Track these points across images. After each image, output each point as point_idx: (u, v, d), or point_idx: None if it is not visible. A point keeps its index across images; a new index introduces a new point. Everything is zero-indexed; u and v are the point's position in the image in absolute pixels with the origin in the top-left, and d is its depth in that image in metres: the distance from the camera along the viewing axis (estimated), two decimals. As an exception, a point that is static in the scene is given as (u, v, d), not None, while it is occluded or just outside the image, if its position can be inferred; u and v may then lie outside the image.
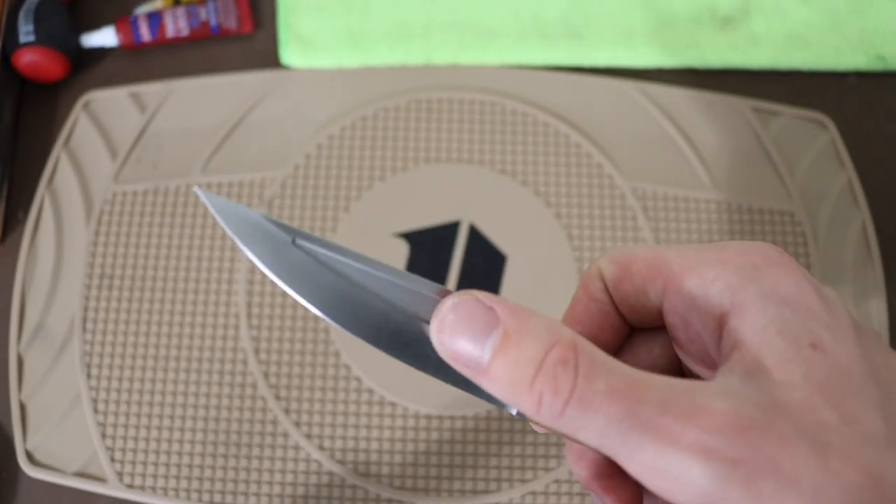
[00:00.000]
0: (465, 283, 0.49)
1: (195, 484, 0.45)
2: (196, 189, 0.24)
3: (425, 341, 0.23)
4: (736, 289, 0.22)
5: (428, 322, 0.23)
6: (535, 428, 0.23)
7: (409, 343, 0.23)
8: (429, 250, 0.49)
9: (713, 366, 0.23)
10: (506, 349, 0.21)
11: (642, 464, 0.20)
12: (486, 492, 0.45)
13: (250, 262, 0.23)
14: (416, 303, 0.23)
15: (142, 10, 0.55)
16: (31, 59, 0.51)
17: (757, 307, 0.21)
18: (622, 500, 0.24)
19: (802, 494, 0.18)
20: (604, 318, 0.25)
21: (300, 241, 0.23)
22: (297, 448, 0.46)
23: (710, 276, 0.22)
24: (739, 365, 0.21)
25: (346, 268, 0.23)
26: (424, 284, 0.23)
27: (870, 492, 0.19)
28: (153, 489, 0.45)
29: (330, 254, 0.23)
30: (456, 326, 0.21)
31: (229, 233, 0.23)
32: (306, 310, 0.48)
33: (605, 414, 0.20)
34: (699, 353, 0.24)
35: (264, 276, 0.49)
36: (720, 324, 0.22)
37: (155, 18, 0.54)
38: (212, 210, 0.23)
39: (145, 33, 0.54)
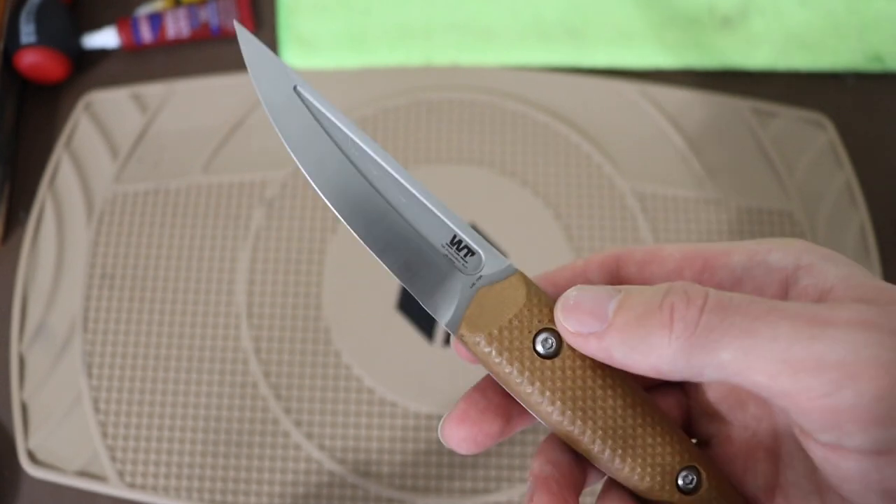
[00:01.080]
0: (464, 283, 0.49)
1: (196, 483, 0.45)
2: (236, 23, 0.26)
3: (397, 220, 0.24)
4: (798, 254, 0.22)
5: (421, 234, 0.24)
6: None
7: (381, 220, 0.24)
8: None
9: None
10: (629, 298, 0.21)
11: (796, 355, 0.19)
12: (486, 491, 0.45)
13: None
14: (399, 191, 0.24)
15: (143, 10, 0.55)
16: (33, 59, 0.51)
17: (828, 266, 0.21)
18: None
19: None
20: None
21: (300, 90, 0.24)
22: (297, 447, 0.46)
23: (764, 249, 0.22)
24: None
25: (340, 136, 0.24)
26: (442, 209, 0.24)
27: None
28: (154, 488, 0.45)
29: (329, 116, 0.24)
30: (580, 299, 0.22)
31: (246, 61, 0.25)
32: (306, 310, 0.48)
33: (747, 312, 0.19)
34: None
35: (264, 276, 0.49)
36: (786, 285, 0.22)
37: (156, 19, 0.54)
38: (239, 38, 0.25)
39: (146, 34, 0.54)
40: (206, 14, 0.54)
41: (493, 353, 0.22)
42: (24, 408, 0.47)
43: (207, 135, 0.52)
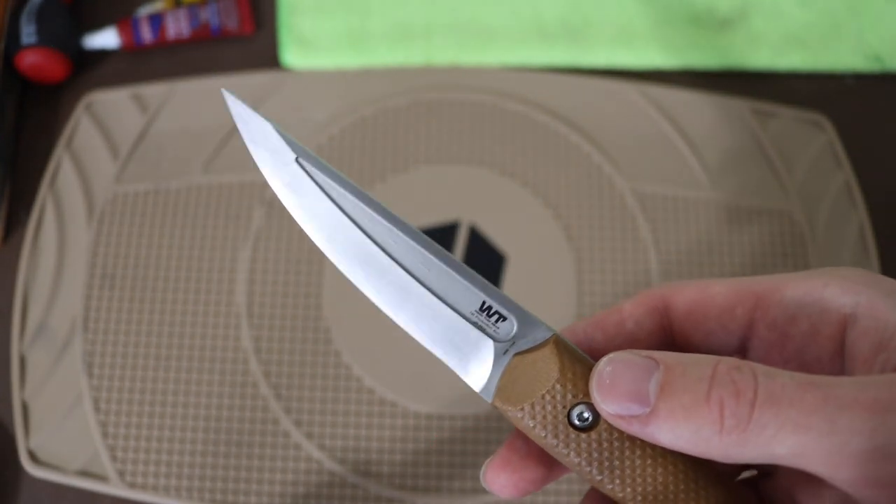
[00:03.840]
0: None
1: (196, 483, 0.45)
2: (224, 91, 0.24)
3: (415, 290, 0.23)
4: (856, 289, 0.21)
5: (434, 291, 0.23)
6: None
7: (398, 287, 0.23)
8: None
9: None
10: (671, 380, 0.20)
11: (857, 448, 0.18)
12: (486, 491, 0.45)
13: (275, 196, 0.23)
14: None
15: (143, 11, 0.55)
16: (34, 60, 0.51)
17: (891, 305, 0.20)
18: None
19: None
20: (633, 343, 0.24)
21: (303, 160, 0.24)
22: (297, 447, 0.46)
23: (819, 283, 0.21)
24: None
25: (345, 201, 0.24)
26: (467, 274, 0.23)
27: None
28: (154, 488, 0.45)
29: (331, 183, 0.24)
30: (615, 376, 0.20)
31: (244, 139, 0.24)
32: (306, 310, 0.49)
33: (801, 405, 0.18)
34: (800, 368, 0.22)
35: (265, 276, 0.49)
36: (843, 325, 0.21)
37: (156, 20, 0.54)
38: (233, 114, 0.24)
39: (147, 34, 0.54)
40: (207, 14, 0.54)
41: (527, 421, 0.22)
42: (24, 408, 0.47)
43: (208, 135, 0.52)
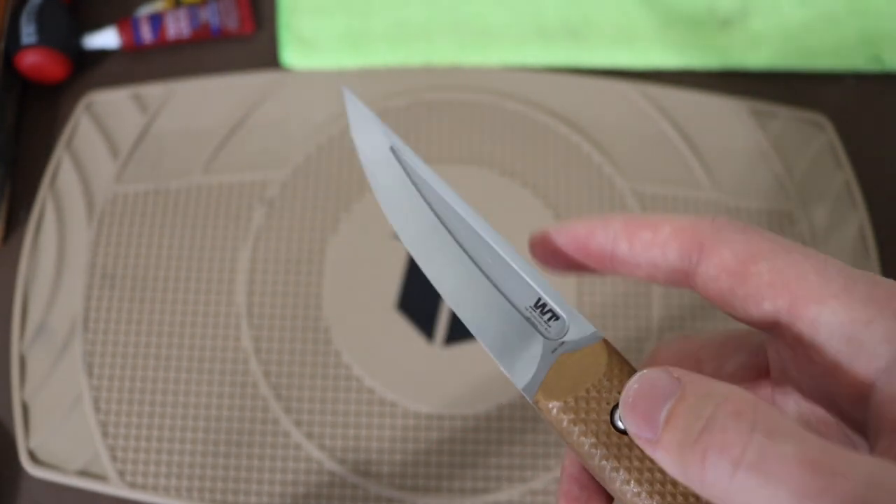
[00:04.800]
0: (464, 283, 0.49)
1: (196, 483, 0.45)
2: (344, 89, 0.27)
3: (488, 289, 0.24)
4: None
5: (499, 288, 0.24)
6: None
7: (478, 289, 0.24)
8: (429, 250, 0.50)
9: (831, 407, 0.20)
10: (677, 412, 0.18)
11: None
12: (486, 491, 0.45)
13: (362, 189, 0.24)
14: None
15: (143, 11, 0.55)
16: (34, 60, 0.51)
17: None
18: None
19: None
20: (652, 270, 0.23)
21: (396, 149, 0.26)
22: (297, 447, 0.46)
23: (864, 317, 0.19)
24: None
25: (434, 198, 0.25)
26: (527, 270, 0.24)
27: None
28: (154, 488, 0.45)
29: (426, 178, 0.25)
30: (637, 395, 0.20)
31: (350, 126, 0.26)
32: (306, 310, 0.49)
33: (795, 486, 0.16)
34: (812, 390, 0.21)
35: (265, 276, 0.49)
36: (873, 378, 0.19)
37: (156, 20, 0.54)
38: (346, 104, 0.26)
39: (147, 34, 0.54)
40: (207, 14, 0.54)
41: (568, 422, 0.21)
42: (24, 407, 0.47)
43: (208, 135, 0.52)
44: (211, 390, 0.47)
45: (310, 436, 0.46)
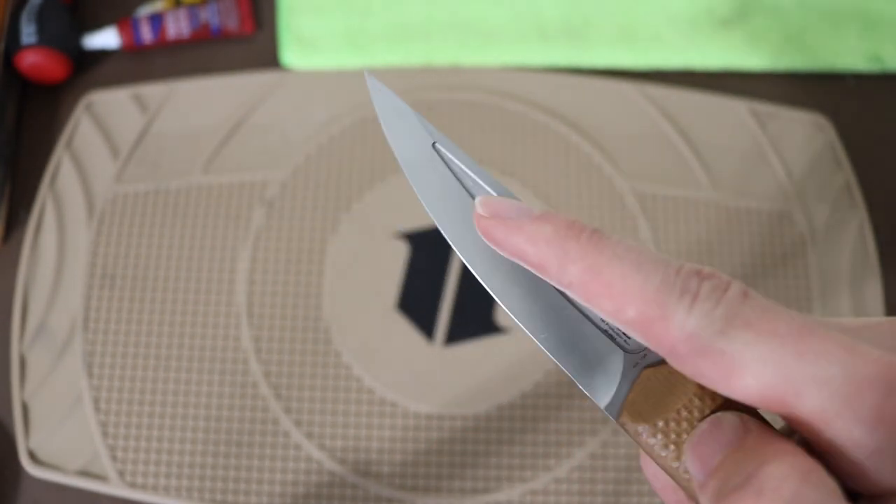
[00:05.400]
0: (464, 284, 0.49)
1: (196, 482, 0.45)
2: (366, 73, 0.24)
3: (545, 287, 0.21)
4: None
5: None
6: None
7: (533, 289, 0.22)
8: (429, 250, 0.50)
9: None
10: (726, 462, 0.18)
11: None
12: (486, 490, 0.45)
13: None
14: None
15: (143, 11, 0.55)
16: (34, 60, 0.51)
17: None
18: None
19: None
20: None
21: (439, 146, 0.23)
22: (297, 447, 0.46)
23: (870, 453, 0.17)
24: None
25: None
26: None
27: None
28: (154, 488, 0.45)
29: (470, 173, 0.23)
30: (702, 435, 0.19)
31: (381, 121, 0.23)
32: (306, 310, 0.49)
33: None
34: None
35: (265, 276, 0.49)
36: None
37: (156, 20, 0.54)
38: (376, 105, 0.23)
39: (147, 34, 0.54)
40: (207, 14, 0.54)
41: (659, 445, 0.20)
42: (24, 408, 0.47)
43: (208, 135, 0.52)
44: (211, 390, 0.47)
45: (310, 436, 0.46)
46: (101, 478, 0.45)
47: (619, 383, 0.21)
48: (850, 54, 0.54)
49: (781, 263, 0.50)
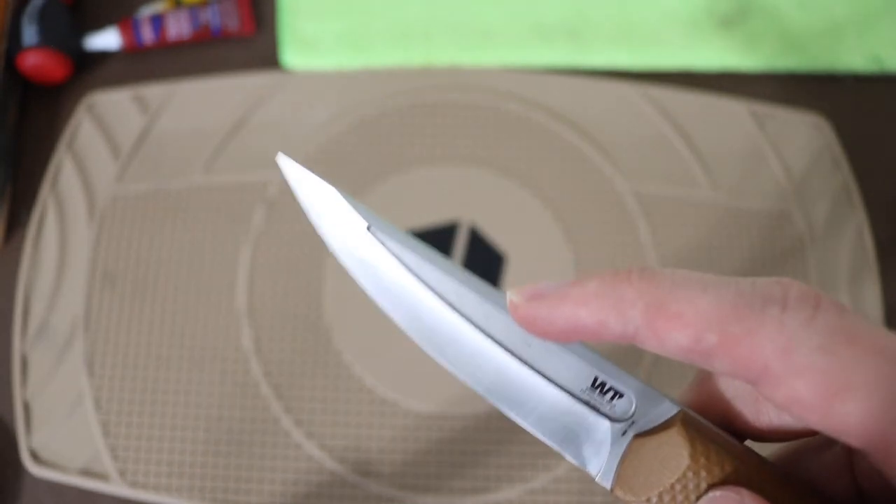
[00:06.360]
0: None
1: (197, 482, 0.46)
2: (280, 156, 0.21)
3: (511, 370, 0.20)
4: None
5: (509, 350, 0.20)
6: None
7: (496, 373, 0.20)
8: (429, 251, 0.50)
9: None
10: None
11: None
12: (486, 490, 0.45)
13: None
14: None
15: (144, 12, 0.55)
16: (35, 60, 0.52)
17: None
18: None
19: None
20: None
21: (376, 229, 0.21)
22: (298, 446, 0.46)
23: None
24: None
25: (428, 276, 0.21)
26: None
27: None
28: (155, 487, 0.46)
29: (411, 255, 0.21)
30: None
31: (303, 206, 0.21)
32: (307, 310, 0.49)
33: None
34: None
35: (265, 276, 0.49)
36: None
37: (157, 20, 0.54)
38: (289, 180, 0.21)
39: (148, 35, 0.54)
40: (207, 15, 0.55)
41: None
42: (26, 407, 0.47)
43: (208, 135, 0.52)
44: (212, 389, 0.47)
45: (310, 435, 0.46)
46: (102, 477, 0.46)
47: (610, 453, 0.20)
48: (848, 55, 0.54)
49: (780, 263, 0.50)
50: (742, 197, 0.51)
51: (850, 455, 0.19)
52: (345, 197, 0.21)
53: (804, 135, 0.53)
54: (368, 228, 0.21)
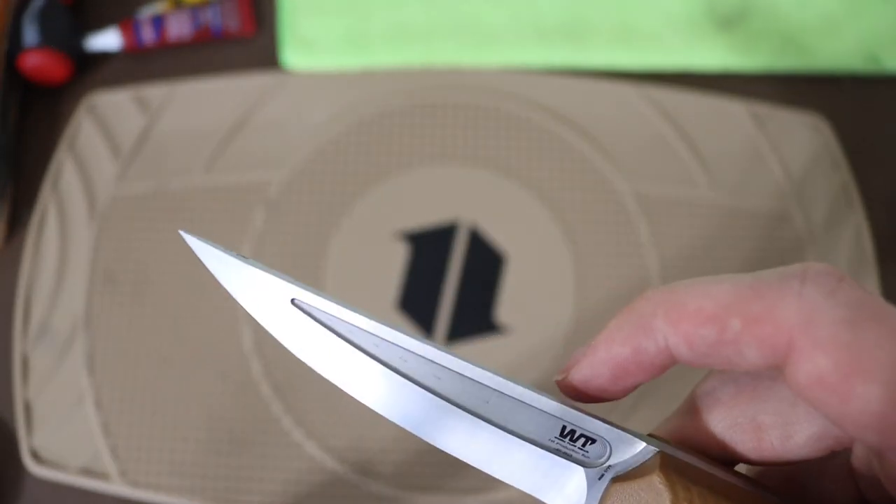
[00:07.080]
0: (464, 284, 0.49)
1: (198, 481, 0.46)
2: (182, 232, 0.21)
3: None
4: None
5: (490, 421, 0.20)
6: None
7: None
8: (428, 251, 0.50)
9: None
10: None
11: None
12: (487, 489, 0.46)
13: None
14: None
15: (145, 12, 0.55)
16: (36, 61, 0.52)
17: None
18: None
19: None
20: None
21: (300, 301, 0.20)
22: (298, 446, 0.46)
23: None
24: None
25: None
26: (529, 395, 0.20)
27: None
28: (156, 487, 0.46)
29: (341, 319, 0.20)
30: None
31: (222, 283, 0.21)
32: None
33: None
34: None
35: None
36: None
37: (158, 21, 0.54)
38: (202, 259, 0.21)
39: (148, 36, 0.54)
40: (208, 16, 0.55)
41: None
42: (27, 407, 0.47)
43: (209, 135, 0.53)
44: (212, 389, 0.47)
45: (310, 435, 0.46)
46: (102, 476, 0.46)
47: (587, 497, 0.19)
48: (847, 56, 0.54)
49: (780, 263, 0.49)
50: (742, 197, 0.51)
51: (852, 470, 0.19)
52: (263, 268, 0.20)
53: (803, 135, 0.53)
54: (293, 301, 0.20)
